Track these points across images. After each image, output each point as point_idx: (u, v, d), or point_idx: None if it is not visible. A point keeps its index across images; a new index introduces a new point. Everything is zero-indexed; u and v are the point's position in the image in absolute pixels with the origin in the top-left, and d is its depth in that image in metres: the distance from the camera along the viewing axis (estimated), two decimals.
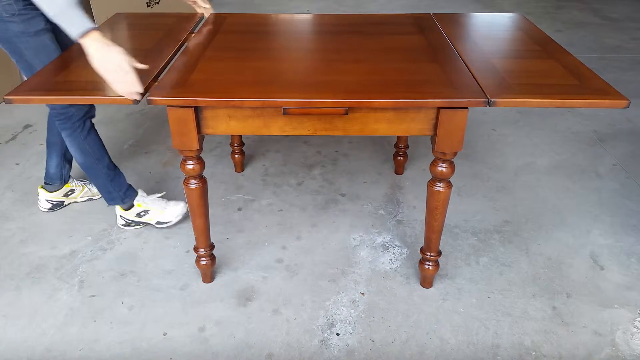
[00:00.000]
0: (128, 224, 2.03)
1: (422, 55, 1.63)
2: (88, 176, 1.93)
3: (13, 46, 1.62)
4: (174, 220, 2.03)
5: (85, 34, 1.31)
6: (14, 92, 1.36)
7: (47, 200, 2.12)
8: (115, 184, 1.95)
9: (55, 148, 2.03)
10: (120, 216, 2.02)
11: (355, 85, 1.41)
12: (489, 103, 1.33)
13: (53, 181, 2.09)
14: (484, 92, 1.35)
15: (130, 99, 1.34)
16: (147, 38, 1.74)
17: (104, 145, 1.91)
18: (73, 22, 1.31)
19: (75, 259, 1.90)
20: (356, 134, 1.45)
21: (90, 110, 1.84)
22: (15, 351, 1.56)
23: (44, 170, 2.10)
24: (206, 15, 2.00)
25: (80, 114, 1.79)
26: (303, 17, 2.03)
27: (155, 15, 2.04)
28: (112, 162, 1.94)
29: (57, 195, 2.12)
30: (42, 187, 2.11)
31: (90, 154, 1.86)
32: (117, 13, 2.04)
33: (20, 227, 2.07)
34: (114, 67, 1.31)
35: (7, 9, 1.54)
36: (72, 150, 1.86)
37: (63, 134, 1.83)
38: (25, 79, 1.75)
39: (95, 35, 1.32)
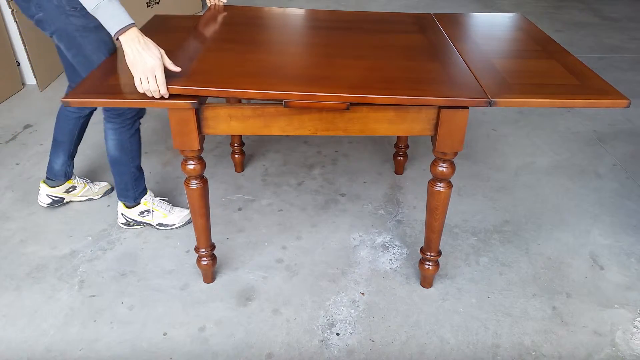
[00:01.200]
0: (129, 223, 2.03)
1: (423, 54, 1.62)
2: (113, 170, 1.93)
3: (72, 40, 1.61)
4: (177, 225, 2.04)
5: (123, 31, 1.30)
6: (71, 95, 1.35)
7: (47, 195, 2.11)
8: (136, 184, 1.97)
9: (63, 147, 2.03)
10: (122, 214, 2.02)
11: (356, 80, 1.40)
12: (490, 103, 1.33)
13: (56, 177, 2.09)
14: (485, 92, 1.35)
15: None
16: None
17: (141, 146, 1.93)
18: (111, 18, 1.31)
19: (75, 259, 1.90)
20: (357, 134, 1.44)
21: (141, 110, 1.85)
22: (15, 351, 1.56)
23: (45, 169, 2.10)
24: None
25: (132, 113, 1.81)
26: (304, 12, 2.03)
27: (194, 17, 2.03)
28: (140, 163, 1.96)
29: (58, 191, 2.12)
30: (44, 181, 2.11)
31: (128, 152, 1.88)
32: (155, 15, 2.02)
33: (20, 227, 2.07)
34: (144, 70, 1.29)
35: (70, 2, 1.53)
36: (111, 144, 1.85)
37: (107, 127, 1.83)
38: (65, 75, 1.75)
39: (132, 34, 1.31)
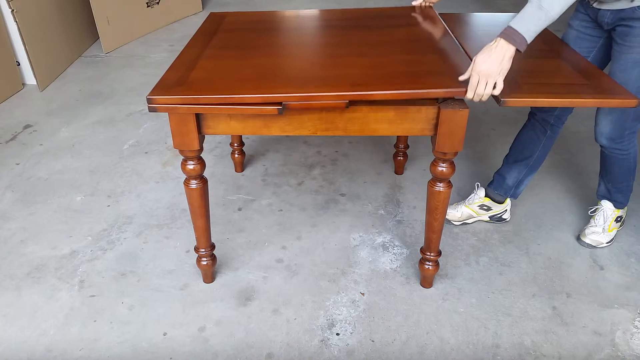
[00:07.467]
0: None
1: (425, 46, 1.61)
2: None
3: None
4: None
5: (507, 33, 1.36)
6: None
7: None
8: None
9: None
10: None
11: (357, 78, 1.40)
12: (499, 102, 1.32)
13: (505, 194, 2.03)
14: None
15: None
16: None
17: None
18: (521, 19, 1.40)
19: (75, 259, 1.90)
20: (356, 134, 1.44)
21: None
22: (15, 351, 1.56)
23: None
24: None
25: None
26: (303, 13, 2.03)
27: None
28: None
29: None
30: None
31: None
32: (211, 13, 2.00)
33: (20, 227, 2.07)
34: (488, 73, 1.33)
35: None
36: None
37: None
38: None
39: (503, 42, 1.35)
